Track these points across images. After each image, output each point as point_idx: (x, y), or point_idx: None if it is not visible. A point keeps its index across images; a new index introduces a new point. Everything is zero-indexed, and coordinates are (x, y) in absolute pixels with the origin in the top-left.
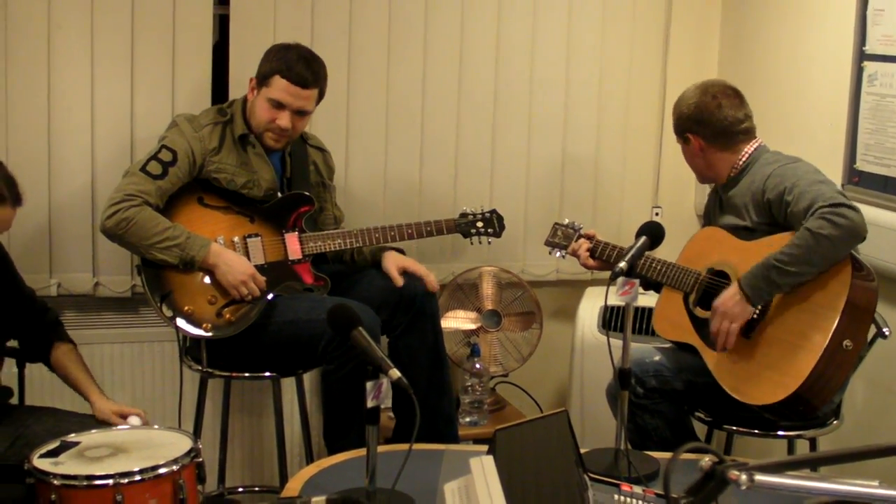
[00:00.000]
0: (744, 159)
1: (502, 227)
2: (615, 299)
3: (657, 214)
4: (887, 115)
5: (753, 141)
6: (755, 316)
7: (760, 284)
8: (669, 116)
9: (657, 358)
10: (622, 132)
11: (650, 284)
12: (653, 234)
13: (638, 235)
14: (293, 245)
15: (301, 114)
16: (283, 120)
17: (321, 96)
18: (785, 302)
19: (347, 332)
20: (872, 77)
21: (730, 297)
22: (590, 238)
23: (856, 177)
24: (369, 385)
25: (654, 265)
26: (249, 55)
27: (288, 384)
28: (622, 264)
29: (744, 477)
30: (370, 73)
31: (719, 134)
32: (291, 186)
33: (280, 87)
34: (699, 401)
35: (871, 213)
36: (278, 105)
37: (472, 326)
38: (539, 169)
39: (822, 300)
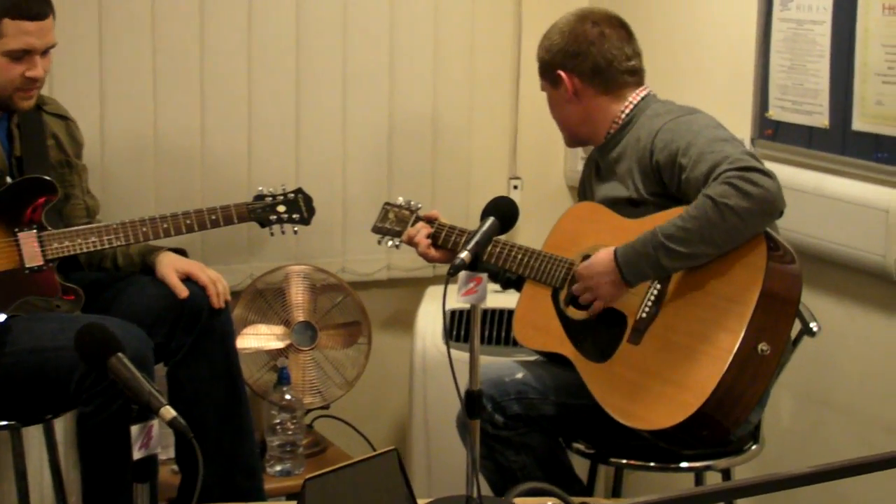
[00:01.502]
0: (627, 110)
1: (311, 212)
2: (458, 301)
3: (516, 188)
4: (807, 48)
5: (641, 88)
6: (643, 315)
7: (640, 263)
8: (526, 63)
9: (520, 375)
10: (467, 85)
11: (511, 282)
12: (502, 213)
13: (483, 216)
14: (31, 247)
15: (47, 52)
16: (36, 69)
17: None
18: (682, 296)
19: (102, 360)
20: None
21: (600, 264)
22: (431, 221)
23: (769, 129)
24: (135, 430)
25: (512, 254)
26: None
27: (33, 434)
28: (463, 255)
29: None
30: (128, 13)
31: (600, 71)
32: (24, 169)
33: (18, 32)
34: (577, 428)
35: (791, 175)
36: (24, 54)
37: (280, 345)
38: (359, 135)
39: (729, 292)
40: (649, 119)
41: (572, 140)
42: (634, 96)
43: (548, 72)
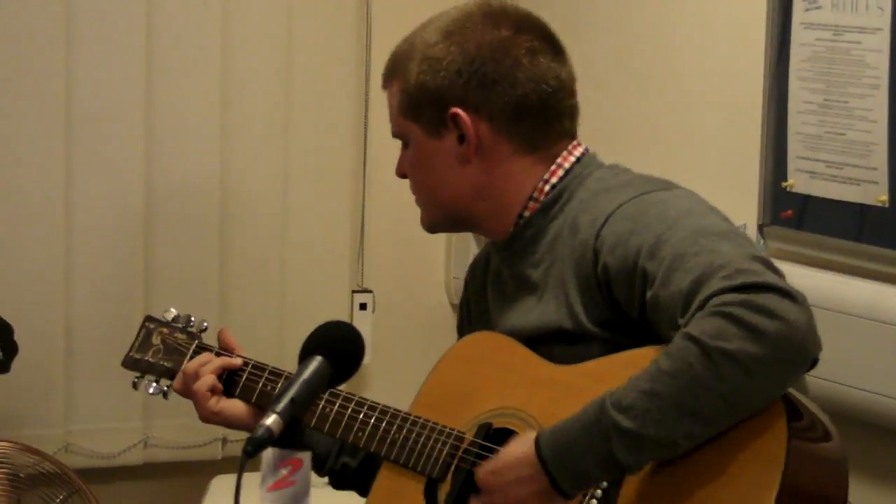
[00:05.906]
0: (555, 178)
1: (12, 349)
2: (263, 501)
3: (364, 308)
4: (850, 72)
5: (574, 143)
6: None
7: (580, 458)
8: (376, 117)
9: None
10: (278, 140)
11: (354, 473)
12: (335, 349)
13: (304, 355)
14: None
15: None
16: None
17: None
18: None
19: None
20: None
21: (515, 464)
22: (224, 351)
23: (788, 209)
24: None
25: (358, 417)
26: None
27: None
28: (269, 420)
29: None
30: None
31: (528, 111)
32: None
33: None
34: None
35: (826, 288)
36: None
37: None
38: (94, 216)
39: (729, 496)
40: (593, 196)
41: (447, 223)
42: (566, 156)
43: (426, 108)
